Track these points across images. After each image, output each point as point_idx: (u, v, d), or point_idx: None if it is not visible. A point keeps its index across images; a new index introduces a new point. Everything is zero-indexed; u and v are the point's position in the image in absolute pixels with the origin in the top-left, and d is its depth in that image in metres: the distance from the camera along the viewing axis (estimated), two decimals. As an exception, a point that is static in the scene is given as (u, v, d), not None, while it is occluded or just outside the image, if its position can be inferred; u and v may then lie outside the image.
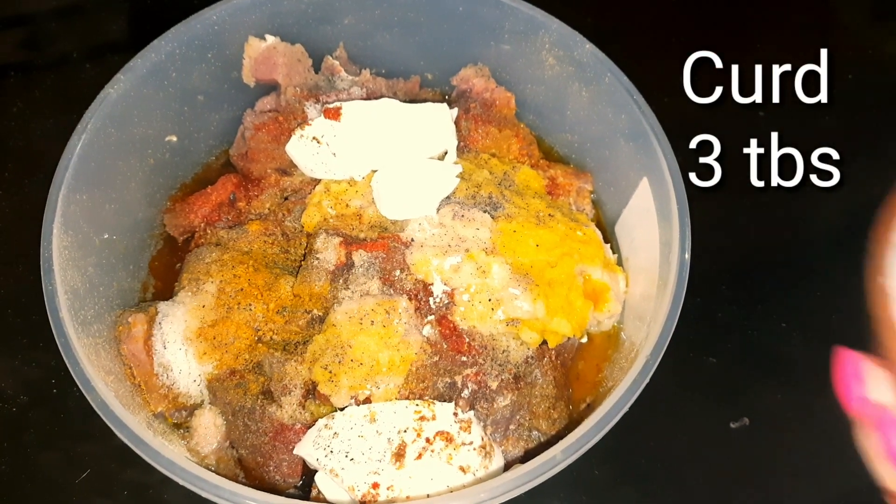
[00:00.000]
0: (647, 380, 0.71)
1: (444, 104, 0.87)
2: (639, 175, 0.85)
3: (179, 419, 0.82)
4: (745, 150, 1.10)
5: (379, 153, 0.85)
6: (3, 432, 0.89)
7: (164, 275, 0.91)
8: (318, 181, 0.88)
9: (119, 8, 1.19)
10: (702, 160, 0.97)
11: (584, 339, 0.88)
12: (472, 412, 0.77)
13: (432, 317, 0.80)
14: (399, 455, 0.72)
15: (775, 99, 1.15)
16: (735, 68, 1.17)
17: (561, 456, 0.67)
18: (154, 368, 0.80)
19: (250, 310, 0.81)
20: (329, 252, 0.82)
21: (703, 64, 1.18)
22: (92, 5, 1.20)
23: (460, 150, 0.91)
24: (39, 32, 1.19)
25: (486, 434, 0.77)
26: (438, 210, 0.84)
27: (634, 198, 0.87)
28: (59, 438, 0.89)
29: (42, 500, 0.88)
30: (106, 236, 0.84)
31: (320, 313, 0.81)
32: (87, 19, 1.19)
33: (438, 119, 0.86)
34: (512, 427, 0.80)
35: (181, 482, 0.67)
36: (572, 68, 0.90)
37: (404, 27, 0.94)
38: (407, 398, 0.76)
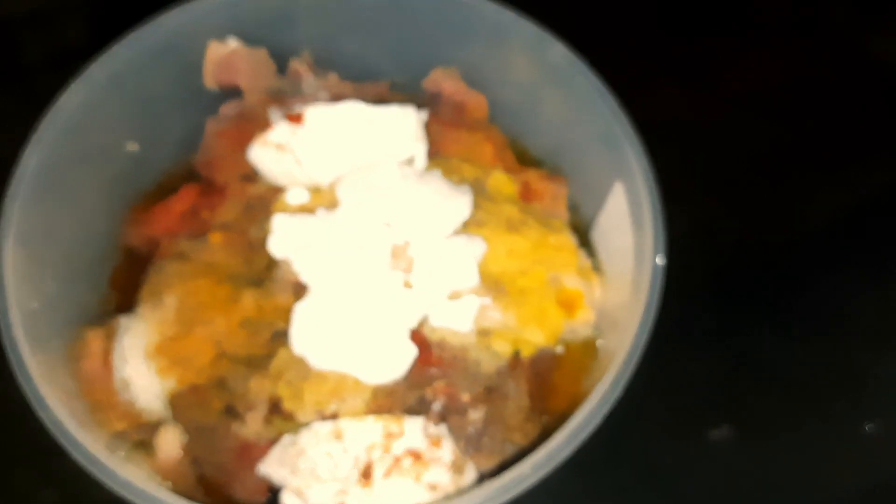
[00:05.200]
0: (620, 390, 0.69)
1: (412, 106, 0.85)
2: (613, 179, 0.83)
3: (141, 437, 0.80)
4: (726, 152, 1.10)
5: (345, 159, 0.83)
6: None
7: (124, 288, 0.87)
8: (283, 189, 0.86)
9: (84, 14, 1.17)
10: (681, 164, 0.95)
11: (560, 349, 0.85)
12: (443, 426, 0.75)
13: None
14: (366, 474, 0.70)
15: (759, 99, 1.15)
16: (717, 70, 1.17)
17: (530, 471, 0.65)
18: (114, 385, 0.78)
19: (212, 323, 0.79)
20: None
21: (682, 64, 1.18)
22: (57, 12, 1.18)
23: (431, 155, 0.89)
24: (3, 40, 1.16)
25: (457, 449, 0.75)
26: (407, 217, 0.81)
27: (609, 202, 0.85)
28: (27, 455, 0.86)
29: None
30: (63, 249, 0.81)
31: (285, 327, 0.78)
32: (51, 26, 1.17)
33: (406, 121, 0.84)
34: (485, 441, 0.78)
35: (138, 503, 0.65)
36: (544, 70, 0.88)
37: (371, 30, 0.92)
38: (375, 413, 0.74)
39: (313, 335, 0.75)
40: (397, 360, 0.75)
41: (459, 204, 0.80)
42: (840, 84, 1.16)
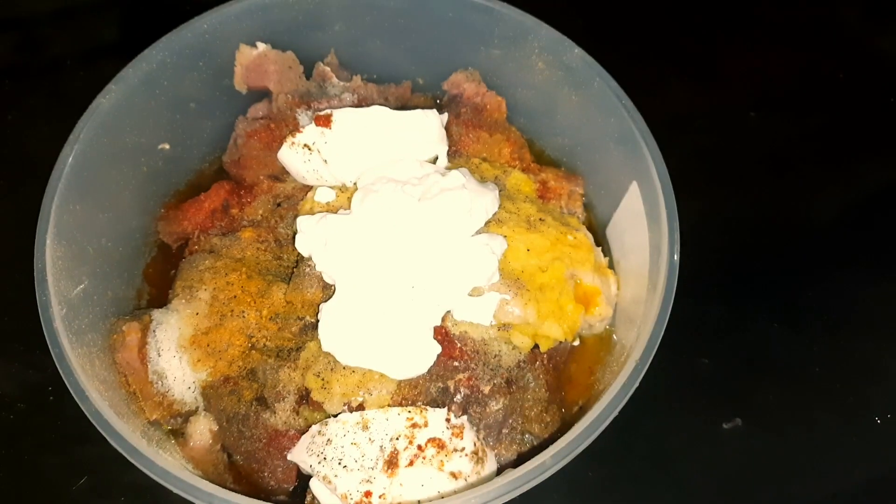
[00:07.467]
0: (637, 383, 0.71)
1: (434, 110, 0.87)
2: (629, 178, 0.85)
3: (174, 426, 0.83)
4: (737, 151, 1.11)
5: (370, 160, 0.85)
6: (1, 438, 0.90)
7: (158, 282, 0.91)
8: (310, 188, 0.88)
9: (112, 12, 1.19)
10: (693, 161, 0.96)
11: (576, 343, 0.88)
12: (464, 417, 0.77)
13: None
14: (391, 463, 0.72)
15: (769, 97, 1.16)
16: (728, 69, 1.18)
17: (551, 461, 0.68)
18: (149, 376, 0.81)
19: (243, 317, 0.82)
20: (321, 258, 0.82)
21: (694, 65, 1.19)
22: (85, 10, 1.20)
23: (451, 155, 0.91)
24: (33, 37, 1.19)
25: (478, 439, 0.77)
26: (430, 215, 0.83)
27: (625, 201, 0.87)
28: (58, 443, 0.89)
29: (41, 506, 0.88)
30: (100, 245, 0.84)
31: (313, 320, 0.81)
32: (79, 24, 1.20)
33: (429, 124, 0.86)
34: (505, 431, 0.81)
35: (174, 490, 0.68)
36: (562, 72, 0.90)
37: (395, 33, 0.95)
38: (400, 404, 0.77)
39: (341, 334, 0.77)
40: (422, 358, 0.77)
41: (487, 200, 0.82)
42: (848, 82, 1.18)
